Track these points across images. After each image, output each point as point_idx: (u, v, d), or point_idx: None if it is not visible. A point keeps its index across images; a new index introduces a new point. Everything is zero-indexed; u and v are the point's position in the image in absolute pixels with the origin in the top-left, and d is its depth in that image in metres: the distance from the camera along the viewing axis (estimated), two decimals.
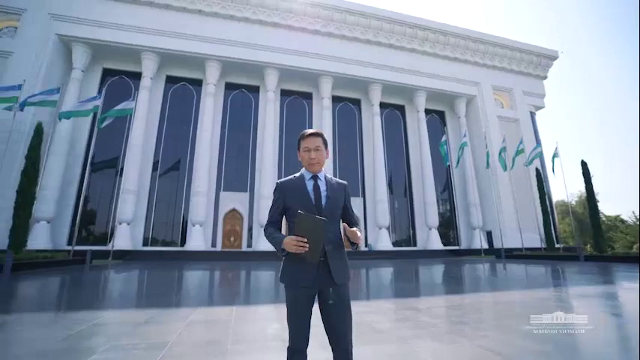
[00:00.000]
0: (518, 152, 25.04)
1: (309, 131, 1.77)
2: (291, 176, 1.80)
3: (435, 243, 26.07)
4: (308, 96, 29.28)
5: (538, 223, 25.71)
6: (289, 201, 1.71)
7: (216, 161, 24.88)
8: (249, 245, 23.97)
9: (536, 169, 24.67)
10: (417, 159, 29.52)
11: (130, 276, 10.61)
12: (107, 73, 25.09)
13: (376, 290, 7.42)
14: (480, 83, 31.43)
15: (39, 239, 18.66)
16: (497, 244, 26.25)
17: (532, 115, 33.16)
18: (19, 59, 20.83)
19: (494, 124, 30.30)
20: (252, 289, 7.41)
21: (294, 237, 1.49)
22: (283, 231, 1.77)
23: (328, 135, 26.77)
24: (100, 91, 21.64)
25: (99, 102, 17.87)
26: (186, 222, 23.29)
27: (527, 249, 23.61)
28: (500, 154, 25.00)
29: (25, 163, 14.29)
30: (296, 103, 28.98)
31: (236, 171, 25.41)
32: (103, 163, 23.44)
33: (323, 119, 27.18)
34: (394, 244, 26.63)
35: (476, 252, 25.59)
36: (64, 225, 20.90)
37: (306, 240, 1.47)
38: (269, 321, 3.97)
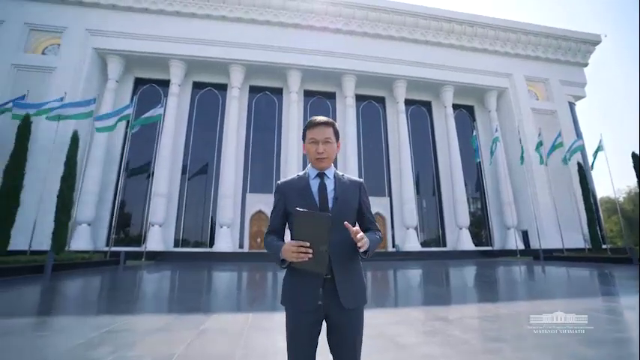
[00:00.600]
0: (556, 146, 23.40)
1: (318, 119, 1.47)
2: (295, 175, 1.52)
3: (466, 243, 24.97)
4: (331, 96, 29.12)
5: (581, 222, 23.88)
6: (290, 205, 1.41)
7: (242, 163, 25.37)
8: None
9: (578, 164, 22.87)
10: (445, 156, 28.45)
11: (157, 277, 10.97)
12: (139, 82, 26.34)
13: (401, 296, 7.09)
14: (511, 75, 29.75)
15: (81, 241, 19.89)
16: (534, 245, 24.70)
17: (571, 105, 30.89)
18: (61, 74, 22.29)
19: (528, 117, 28.55)
20: (272, 293, 7.35)
21: (292, 242, 1.20)
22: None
23: (352, 134, 26.47)
24: (132, 100, 22.73)
25: (130, 110, 18.73)
26: (214, 224, 23.91)
27: (568, 250, 22.00)
28: (537, 148, 23.51)
29: (63, 170, 15.26)
30: (319, 104, 28.91)
31: (262, 173, 25.76)
32: (136, 167, 24.63)
33: (346, 118, 26.90)
34: (422, 244, 25.83)
35: (511, 253, 24.22)
36: (102, 227, 22.15)
37: (308, 245, 1.17)
38: (284, 332, 3.83)
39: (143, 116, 19.33)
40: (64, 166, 15.45)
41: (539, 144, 23.50)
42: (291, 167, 24.55)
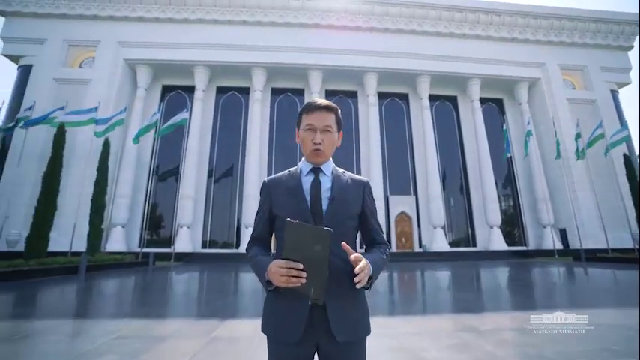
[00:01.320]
0: (596, 138, 21.73)
1: (319, 102, 1.20)
2: (285, 172, 1.27)
3: (498, 243, 23.74)
4: (353, 94, 28.78)
5: (628, 219, 22.01)
6: (277, 206, 1.18)
7: (265, 165, 25.68)
8: None
9: (624, 156, 20.86)
10: (473, 152, 27.25)
11: (182, 279, 11.25)
12: (166, 89, 27.36)
13: (426, 301, 6.70)
14: (544, 64, 27.96)
15: (116, 242, 20.95)
16: (574, 244, 23.07)
17: (614, 93, 28.53)
18: (95, 85, 23.58)
19: (563, 108, 26.70)
20: None
21: (281, 262, 0.95)
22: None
23: (375, 133, 25.98)
24: (160, 107, 23.71)
25: (157, 116, 19.55)
26: (240, 225, 24.36)
27: (614, 250, 20.35)
28: (576, 140, 21.94)
29: (96, 175, 16.13)
30: (341, 103, 28.66)
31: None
32: (165, 171, 25.61)
33: (369, 117, 26.47)
34: (451, 244, 24.90)
35: (548, 253, 22.75)
36: (135, 229, 23.20)
37: (301, 266, 0.93)
38: None
39: (167, 123, 20.16)
40: (97, 172, 16.37)
41: (577, 136, 21.91)
42: None
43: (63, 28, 24.84)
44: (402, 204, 25.90)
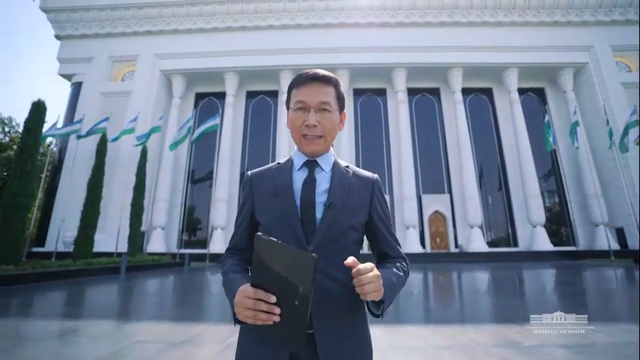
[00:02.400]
0: None
1: (313, 72, 0.91)
2: (274, 163, 1.00)
3: (542, 243, 22.01)
4: (381, 92, 28.23)
5: None
6: (259, 210, 0.92)
7: None
8: None
9: None
10: (511, 147, 25.57)
11: (214, 280, 11.54)
12: (199, 97, 28.63)
13: (462, 308, 6.24)
14: (592, 46, 25.53)
15: (156, 244, 22.21)
16: (634, 245, 20.79)
17: None
18: (135, 96, 25.24)
19: (617, 94, 24.17)
20: None
21: (249, 290, 0.69)
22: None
23: (406, 130, 25.22)
24: (193, 113, 24.84)
25: (191, 123, 20.51)
26: None
27: None
28: (628, 129, 19.82)
29: (135, 180, 17.21)
30: (370, 101, 28.24)
31: None
32: (200, 175, 26.77)
33: (399, 114, 25.78)
34: (489, 244, 23.54)
35: (601, 254, 20.68)
36: (174, 231, 24.46)
37: (274, 300, 0.67)
38: None
39: (199, 129, 21.07)
40: (136, 177, 17.46)
41: (633, 124, 19.73)
42: None
43: (107, 46, 26.88)
44: (435, 203, 24.93)
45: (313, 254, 0.65)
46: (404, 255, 0.98)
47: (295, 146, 0.98)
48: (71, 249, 18.27)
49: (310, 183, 0.90)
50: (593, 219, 22.92)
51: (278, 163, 0.98)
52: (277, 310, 0.67)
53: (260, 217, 0.91)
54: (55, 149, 25.56)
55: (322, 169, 0.94)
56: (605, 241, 21.04)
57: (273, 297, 0.67)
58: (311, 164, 0.93)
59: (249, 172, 0.99)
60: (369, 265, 0.75)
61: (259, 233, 0.68)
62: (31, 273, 9.42)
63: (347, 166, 0.98)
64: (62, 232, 19.85)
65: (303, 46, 26.37)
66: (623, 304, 6.31)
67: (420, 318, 5.21)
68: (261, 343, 0.81)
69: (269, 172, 0.96)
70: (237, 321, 0.76)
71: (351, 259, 0.74)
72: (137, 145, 20.23)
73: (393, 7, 26.49)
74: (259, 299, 0.67)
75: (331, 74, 0.94)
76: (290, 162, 0.96)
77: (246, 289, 0.69)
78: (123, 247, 17.99)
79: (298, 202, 0.88)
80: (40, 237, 22.27)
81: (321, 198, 0.89)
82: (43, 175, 21.86)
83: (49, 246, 20.46)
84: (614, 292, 7.83)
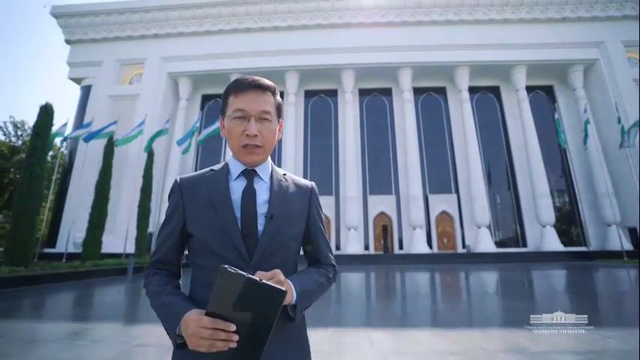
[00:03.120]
0: None
1: (250, 78, 0.89)
2: (207, 169, 0.94)
3: (552, 243, 21.61)
4: (387, 92, 28.09)
5: None
6: (193, 221, 0.86)
7: (301, 168, 25.95)
8: (338, 248, 24.10)
9: None
10: (519, 145, 25.17)
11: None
12: (205, 99, 28.85)
13: (469, 311, 6.14)
14: (603, 42, 24.99)
15: None
16: None
17: None
18: (143, 99, 25.55)
19: (629, 90, 23.60)
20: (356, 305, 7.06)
21: (207, 321, 0.66)
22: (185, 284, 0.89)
23: (412, 130, 25.01)
24: (200, 115, 25.07)
25: (197, 124, 20.75)
26: None
27: None
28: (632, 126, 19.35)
29: (142, 182, 17.40)
30: (375, 101, 28.12)
31: (319, 177, 25.94)
32: None
33: (405, 114, 25.58)
34: (497, 244, 23.22)
35: (614, 255, 20.25)
36: None
37: (233, 328, 0.66)
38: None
39: (206, 131, 21.27)
40: (142, 179, 17.67)
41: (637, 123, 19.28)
42: (350, 169, 24.22)
43: (116, 50, 27.26)
44: (442, 203, 24.70)
45: (283, 288, 0.65)
46: (333, 262, 0.99)
47: (230, 153, 0.94)
48: (81, 250, 18.63)
49: (250, 194, 0.87)
50: (604, 219, 22.43)
51: (211, 170, 0.93)
52: (235, 338, 0.66)
53: (194, 230, 0.85)
54: (65, 151, 26.01)
55: (261, 179, 0.91)
56: (618, 241, 20.58)
57: (233, 326, 0.65)
58: (249, 174, 0.90)
59: (177, 178, 0.93)
60: (272, 272, 0.74)
61: (225, 266, 0.65)
62: (40, 274, 9.59)
63: (285, 174, 0.96)
64: (72, 233, 20.19)
65: (308, 46, 26.38)
66: (636, 307, 6.13)
67: (425, 321, 5.14)
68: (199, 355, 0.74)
69: (202, 179, 0.90)
70: (178, 345, 0.73)
71: (264, 273, 0.73)
72: (148, 146, 20.50)
73: (399, 5, 26.33)
74: (219, 329, 0.65)
75: (269, 82, 0.92)
76: (226, 169, 0.91)
77: (201, 320, 0.66)
78: (131, 249, 18.22)
79: (238, 214, 0.84)
80: (52, 238, 22.70)
81: (261, 209, 0.86)
82: (54, 177, 22.29)
83: (60, 247, 20.84)
84: (626, 294, 7.61)
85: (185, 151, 22.34)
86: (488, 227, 22.93)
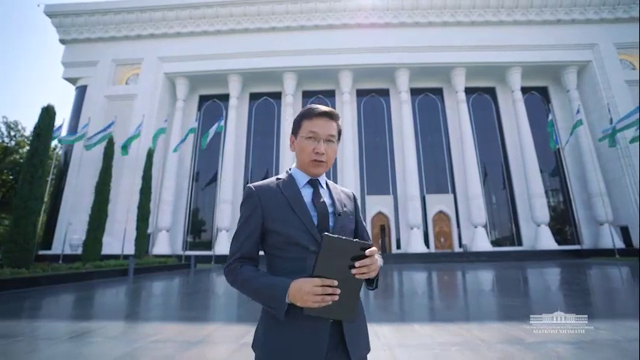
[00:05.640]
0: None
1: (322, 108, 1.09)
2: (273, 179, 1.12)
3: (546, 242, 21.98)
4: (384, 92, 28.29)
5: None
6: (273, 220, 1.02)
7: None
8: None
9: None
10: (515, 146, 25.54)
11: (220, 281, 11.62)
12: (202, 99, 28.82)
13: (467, 307, 6.33)
14: (596, 45, 25.43)
15: (161, 246, 22.39)
16: (638, 243, 20.71)
17: None
18: (140, 99, 25.46)
19: (621, 92, 24.06)
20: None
21: (317, 280, 0.85)
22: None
23: (409, 131, 25.31)
24: (197, 116, 25.07)
25: (195, 124, 20.78)
26: None
27: None
28: (626, 127, 19.75)
29: (141, 183, 17.38)
30: (372, 102, 28.32)
31: None
32: (205, 177, 26.94)
33: (402, 114, 25.83)
34: (493, 243, 23.52)
35: (606, 253, 20.63)
36: (179, 233, 24.64)
37: (336, 284, 0.86)
38: None
39: (208, 137, 21.43)
40: (142, 180, 17.64)
41: (635, 123, 19.65)
42: (347, 170, 24.37)
43: (111, 50, 27.12)
44: (439, 202, 24.96)
45: (369, 242, 0.90)
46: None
47: (294, 165, 1.16)
48: (78, 251, 18.56)
49: (317, 198, 1.07)
50: (597, 218, 22.85)
51: (278, 179, 1.12)
52: (338, 291, 0.86)
53: (278, 227, 1.01)
54: (60, 152, 25.83)
55: (322, 187, 1.12)
56: (610, 239, 20.96)
57: (336, 281, 0.86)
58: (314, 182, 1.11)
59: (251, 186, 1.08)
60: (374, 249, 0.92)
61: (327, 233, 0.87)
62: (42, 276, 9.59)
63: (333, 184, 1.19)
64: (69, 234, 20.11)
65: (306, 47, 26.47)
66: (626, 301, 6.37)
67: (426, 317, 5.29)
68: (298, 323, 0.93)
69: (272, 186, 1.08)
70: (281, 315, 0.91)
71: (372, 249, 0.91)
72: (154, 145, 20.54)
73: (396, 7, 26.54)
74: (326, 285, 0.85)
75: (335, 111, 1.12)
76: (292, 179, 1.11)
77: (313, 280, 0.86)
78: (129, 250, 18.19)
79: (314, 214, 1.03)
80: (47, 240, 22.52)
81: (329, 209, 1.07)
82: (49, 179, 22.13)
83: (56, 249, 20.73)
84: (617, 290, 7.88)
85: (175, 150, 22.36)
86: (485, 226, 23.23)
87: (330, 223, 1.04)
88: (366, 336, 1.07)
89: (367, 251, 0.88)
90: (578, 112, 22.08)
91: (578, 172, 24.81)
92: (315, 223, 1.02)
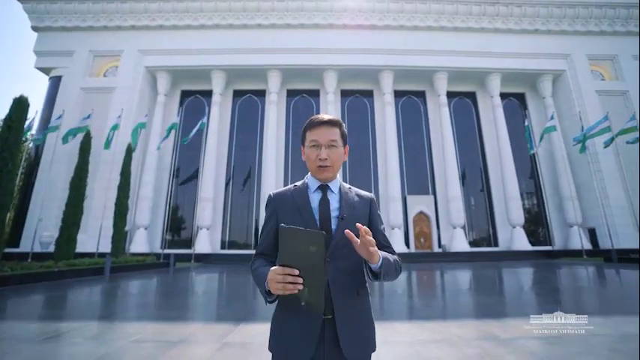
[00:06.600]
0: (626, 131, 20.50)
1: (321, 117, 1.19)
2: (291, 185, 1.26)
3: (521, 243, 22.91)
4: (369, 94, 28.58)
5: None
6: (284, 223, 1.11)
7: (282, 167, 25.90)
8: None
9: None
10: (493, 149, 26.45)
11: (201, 280, 11.50)
12: (185, 95, 28.14)
13: (446, 305, 6.54)
14: (570, 55, 26.71)
15: (139, 244, 21.73)
16: (604, 245, 21.94)
17: None
18: (119, 92, 24.54)
19: (592, 101, 25.39)
20: None
21: (278, 268, 0.94)
22: None
23: (392, 132, 25.67)
24: (179, 112, 24.47)
25: (177, 120, 20.30)
26: (258, 226, 24.70)
27: None
28: (597, 134, 20.86)
29: (119, 179, 16.81)
30: (357, 102, 28.54)
31: (302, 176, 25.94)
32: (185, 174, 26.33)
33: (385, 116, 26.19)
34: (471, 244, 24.26)
35: (575, 253, 21.73)
36: (157, 231, 23.98)
37: (297, 272, 0.91)
38: None
39: (191, 134, 21.04)
40: (120, 176, 17.06)
41: (605, 130, 20.80)
42: None
43: (89, 40, 26.02)
44: (420, 203, 25.48)
45: (322, 232, 0.92)
46: (396, 255, 1.23)
47: (309, 173, 1.26)
48: (49, 249, 17.73)
49: (325, 202, 1.17)
50: (568, 220, 24.01)
51: (294, 186, 1.24)
52: (300, 280, 0.91)
53: None
54: (31, 145, 24.54)
55: (332, 192, 1.21)
56: (579, 241, 22.09)
57: (296, 270, 0.92)
58: (324, 188, 1.21)
59: (271, 193, 1.25)
60: (365, 228, 0.99)
61: (282, 224, 0.94)
62: (11, 275, 9.10)
63: (350, 188, 1.26)
64: (39, 231, 19.14)
65: (291, 46, 26.35)
66: (592, 298, 6.76)
67: (407, 315, 5.42)
68: (294, 314, 1.05)
69: (287, 192, 1.22)
70: (267, 301, 1.04)
71: (363, 227, 0.99)
72: (135, 142, 19.85)
73: (382, 9, 26.86)
74: (286, 273, 0.92)
75: (336, 118, 1.22)
76: (305, 185, 1.23)
77: (275, 269, 0.95)
78: (104, 247, 17.53)
79: (317, 217, 1.14)
80: (14, 237, 21.29)
81: (334, 213, 1.16)
82: (19, 173, 20.98)
83: (25, 246, 19.67)
84: (584, 288, 8.33)
85: (158, 147, 21.88)
86: (463, 228, 23.91)
87: (333, 227, 1.13)
88: (367, 335, 1.11)
89: (362, 229, 0.96)
90: (552, 118, 23.07)
91: (551, 176, 25.98)
92: (318, 225, 1.12)
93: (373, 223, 1.23)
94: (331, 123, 1.18)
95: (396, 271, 1.15)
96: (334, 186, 1.21)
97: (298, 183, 1.25)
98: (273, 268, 0.97)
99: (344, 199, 1.18)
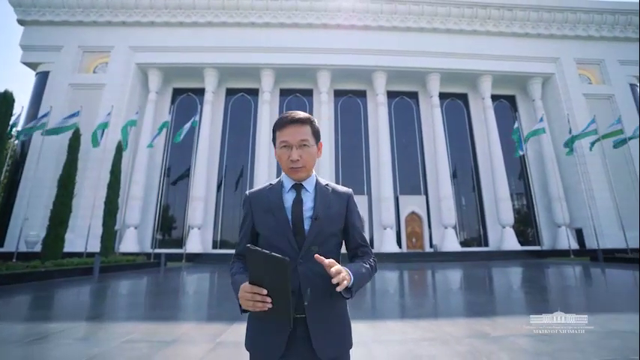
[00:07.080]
0: (612, 134, 21.04)
1: (291, 115, 1.14)
2: (267, 184, 1.22)
3: (511, 243, 23.29)
4: (362, 94, 28.68)
5: None
6: (258, 223, 1.15)
7: (274, 166, 25.71)
8: None
9: None
10: (484, 151, 26.81)
11: (192, 279, 11.40)
12: (176, 92, 27.79)
13: (437, 304, 6.60)
14: (559, 59, 27.25)
15: (129, 243, 21.40)
16: (590, 244, 22.46)
17: (633, 87, 27.56)
18: (109, 89, 24.10)
19: (579, 104, 25.95)
20: None
21: (247, 286, 0.94)
22: None
23: (385, 132, 25.81)
24: (170, 110, 24.16)
25: (168, 118, 20.02)
26: None
27: (634, 250, 19.69)
28: (582, 136, 21.38)
29: (109, 178, 16.52)
30: (350, 102, 28.61)
31: None
32: (176, 173, 26.02)
33: (378, 116, 26.32)
34: (462, 244, 24.55)
35: (563, 253, 22.20)
36: (147, 230, 23.64)
37: (265, 292, 0.92)
38: None
39: (182, 133, 20.81)
40: (110, 174, 16.76)
41: (592, 132, 21.30)
42: (323, 169, 24.47)
43: (78, 35, 25.49)
44: (412, 204, 25.68)
45: (286, 258, 0.89)
46: (371, 253, 1.23)
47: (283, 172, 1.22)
48: (34, 249, 17.33)
49: (298, 202, 1.14)
50: (556, 220, 24.49)
51: (270, 184, 1.21)
52: (269, 300, 0.92)
53: (260, 230, 1.16)
54: (16, 142, 23.92)
55: (307, 190, 1.17)
56: (567, 241, 22.56)
57: (264, 290, 0.92)
58: (297, 187, 1.17)
59: (247, 192, 1.23)
60: (330, 261, 0.99)
61: (249, 245, 0.92)
62: None
63: (327, 185, 1.22)
64: (25, 230, 18.68)
65: (284, 45, 26.28)
66: (578, 296, 6.91)
67: (399, 314, 5.45)
68: (264, 325, 1.07)
69: (263, 192, 1.19)
70: (242, 310, 1.01)
71: (327, 260, 0.98)
72: (125, 141, 19.51)
73: (375, 10, 26.98)
74: (255, 292, 0.93)
75: (306, 115, 1.17)
76: (280, 184, 1.19)
77: (245, 286, 0.95)
78: (93, 247, 17.21)
79: (290, 218, 1.11)
80: None
81: (308, 213, 1.13)
82: (3, 170, 20.44)
83: (9, 246, 19.18)
84: (571, 287, 8.51)
85: (150, 145, 21.58)
86: (454, 228, 24.19)
87: (306, 227, 1.10)
88: (341, 332, 1.10)
89: (332, 269, 0.95)
90: (541, 120, 23.54)
91: (540, 177, 26.46)
92: (290, 225, 1.10)
93: (350, 219, 1.20)
94: (301, 121, 1.13)
95: (370, 277, 1.14)
96: (309, 184, 1.18)
97: (274, 181, 1.22)
98: (243, 285, 0.97)
99: (319, 198, 1.15)
